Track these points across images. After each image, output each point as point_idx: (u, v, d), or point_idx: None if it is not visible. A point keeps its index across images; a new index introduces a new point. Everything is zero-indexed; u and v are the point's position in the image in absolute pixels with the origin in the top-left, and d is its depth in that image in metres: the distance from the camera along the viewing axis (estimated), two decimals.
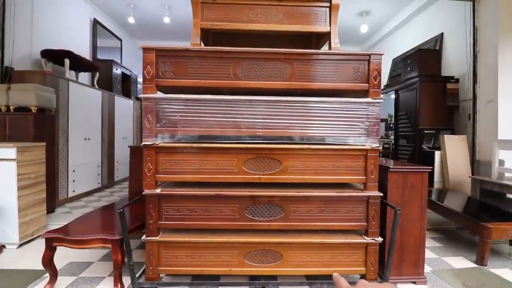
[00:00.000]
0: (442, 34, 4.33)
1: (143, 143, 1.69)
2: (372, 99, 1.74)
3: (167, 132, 1.72)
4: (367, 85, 1.75)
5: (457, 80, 3.82)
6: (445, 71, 4.16)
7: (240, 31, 1.92)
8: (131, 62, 6.51)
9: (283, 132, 1.76)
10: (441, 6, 4.34)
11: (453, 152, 3.47)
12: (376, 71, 1.74)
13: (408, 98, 4.11)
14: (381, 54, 1.75)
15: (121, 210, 1.67)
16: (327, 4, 1.83)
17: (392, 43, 6.02)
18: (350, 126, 1.76)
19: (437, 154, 3.58)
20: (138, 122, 6.09)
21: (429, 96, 3.81)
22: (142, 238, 1.74)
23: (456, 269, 2.19)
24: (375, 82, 1.74)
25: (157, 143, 1.69)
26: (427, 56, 3.98)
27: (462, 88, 3.80)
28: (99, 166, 4.52)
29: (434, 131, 3.87)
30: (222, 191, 1.74)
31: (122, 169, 5.32)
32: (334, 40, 1.82)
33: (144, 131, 1.69)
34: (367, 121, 1.75)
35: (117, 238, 1.76)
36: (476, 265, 2.25)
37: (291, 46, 2.16)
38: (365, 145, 1.76)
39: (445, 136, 3.54)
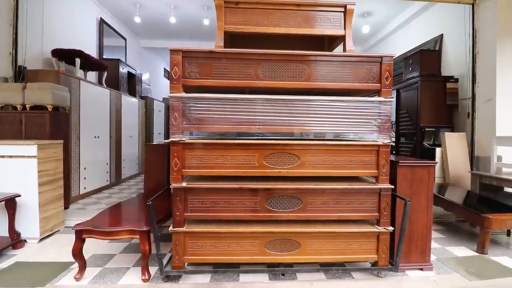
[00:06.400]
0: (442, 35, 4.48)
1: (170, 140, 1.80)
2: (384, 98, 1.87)
3: (193, 129, 1.83)
4: (379, 85, 1.88)
5: (456, 80, 3.97)
6: (445, 71, 4.31)
7: (258, 34, 2.03)
8: (135, 61, 6.57)
9: (300, 129, 1.88)
10: (441, 8, 4.49)
11: (453, 148, 3.63)
12: (387, 72, 1.87)
13: (410, 97, 4.26)
14: (392, 56, 1.88)
15: (150, 202, 1.78)
16: (342, 10, 1.95)
17: (392, 43, 6.17)
18: (363, 123, 1.88)
19: (438, 150, 3.73)
20: (143, 120, 6.16)
21: (430, 95, 3.96)
22: (170, 229, 1.85)
23: (459, 257, 2.34)
24: (387, 82, 1.87)
25: (184, 139, 1.80)
26: (428, 57, 4.12)
27: (461, 88, 3.95)
28: (107, 164, 4.60)
29: (434, 129, 4.03)
30: (245, 184, 1.86)
31: (128, 167, 5.41)
32: (349, 43, 1.95)
33: (171, 128, 1.80)
34: (379, 118, 1.88)
35: (145, 229, 1.86)
36: (477, 254, 2.40)
37: (303, 47, 2.27)
38: (377, 141, 1.89)
39: (446, 133, 3.70)
